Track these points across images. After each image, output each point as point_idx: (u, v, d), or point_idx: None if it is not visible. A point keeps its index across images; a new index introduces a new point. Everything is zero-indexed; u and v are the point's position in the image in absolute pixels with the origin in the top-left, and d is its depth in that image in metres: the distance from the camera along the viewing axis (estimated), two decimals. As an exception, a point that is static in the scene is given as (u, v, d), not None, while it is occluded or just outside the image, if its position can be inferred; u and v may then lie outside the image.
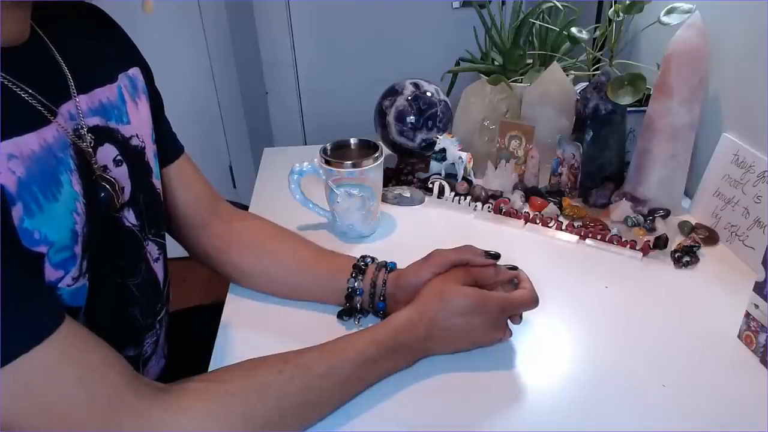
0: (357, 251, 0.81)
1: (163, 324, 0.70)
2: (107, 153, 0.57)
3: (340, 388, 0.55)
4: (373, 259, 0.70)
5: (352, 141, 0.86)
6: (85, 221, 0.51)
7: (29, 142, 0.46)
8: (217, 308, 0.72)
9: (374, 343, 0.56)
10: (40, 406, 0.42)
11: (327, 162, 0.80)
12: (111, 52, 0.62)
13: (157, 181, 0.65)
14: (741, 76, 0.84)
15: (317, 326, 0.66)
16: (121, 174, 0.58)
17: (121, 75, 0.61)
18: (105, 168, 0.56)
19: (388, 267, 0.68)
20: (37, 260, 0.46)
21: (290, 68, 2.11)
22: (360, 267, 0.68)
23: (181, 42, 1.98)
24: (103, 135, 0.56)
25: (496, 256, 0.64)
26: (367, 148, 0.84)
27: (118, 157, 0.58)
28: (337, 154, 0.83)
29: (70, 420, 0.43)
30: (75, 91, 0.54)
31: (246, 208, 0.96)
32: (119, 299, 0.60)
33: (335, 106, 2.15)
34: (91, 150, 0.54)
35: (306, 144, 2.21)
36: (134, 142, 0.61)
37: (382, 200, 0.94)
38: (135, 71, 0.64)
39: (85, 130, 0.54)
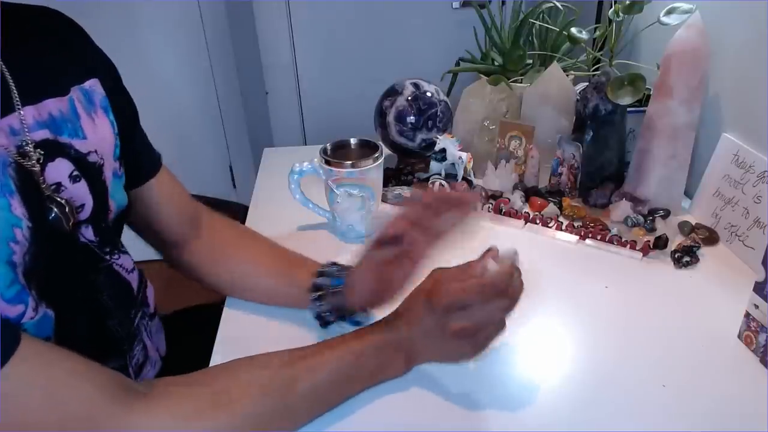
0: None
1: (147, 328, 0.68)
2: (60, 169, 0.53)
3: (328, 385, 0.54)
4: (331, 274, 0.66)
5: (352, 141, 0.86)
6: (28, 248, 0.47)
7: None
8: (218, 307, 0.72)
9: (359, 338, 0.56)
10: None
11: (327, 162, 0.80)
12: (67, 62, 0.57)
13: (111, 201, 0.60)
14: (741, 76, 0.84)
15: (317, 326, 0.66)
16: (79, 191, 0.54)
17: (74, 88, 0.57)
18: (58, 186, 0.52)
19: (338, 286, 0.65)
20: None
21: (290, 68, 2.11)
22: (320, 291, 0.65)
23: (181, 42, 1.98)
24: (53, 149, 0.52)
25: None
26: (367, 148, 0.84)
27: (75, 173, 0.54)
28: (337, 154, 0.83)
29: None
30: (19, 102, 0.49)
31: (246, 208, 0.96)
32: (91, 316, 0.58)
33: (335, 106, 2.15)
34: (38, 168, 0.50)
35: (306, 144, 2.21)
36: (92, 158, 0.57)
37: (382, 200, 0.94)
38: (93, 83, 0.59)
39: (32, 145, 0.49)
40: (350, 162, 0.79)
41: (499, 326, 0.56)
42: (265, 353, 0.54)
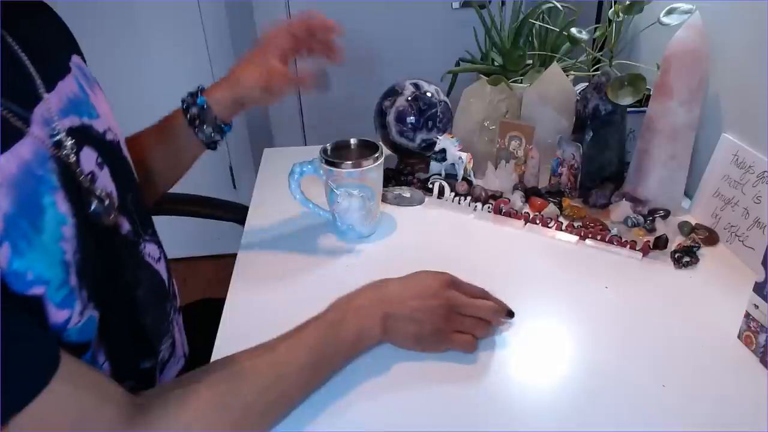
0: (357, 251, 0.81)
1: (176, 324, 0.68)
2: (89, 157, 0.50)
3: (311, 356, 0.54)
4: (190, 102, 0.72)
5: (352, 141, 0.86)
6: (76, 246, 0.45)
7: (7, 165, 0.39)
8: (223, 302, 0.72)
9: (333, 307, 0.59)
10: None
11: (327, 162, 0.80)
12: (57, 39, 0.55)
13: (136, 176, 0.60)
14: (741, 76, 0.84)
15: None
16: (104, 178, 0.52)
17: (70, 64, 0.54)
18: (92, 176, 0.50)
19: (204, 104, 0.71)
20: (35, 304, 0.41)
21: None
22: (195, 117, 0.71)
23: (181, 42, 1.98)
24: (81, 136, 0.49)
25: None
26: (367, 148, 0.84)
27: (99, 159, 0.51)
28: (337, 154, 0.83)
29: None
30: (44, 89, 0.46)
31: (246, 208, 0.97)
32: (130, 315, 0.56)
33: (335, 106, 2.15)
34: (74, 158, 0.47)
35: (306, 144, 2.21)
36: (109, 136, 0.55)
37: (382, 200, 0.94)
38: (77, 59, 0.57)
39: (64, 134, 0.46)
40: (350, 162, 0.79)
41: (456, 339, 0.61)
42: (245, 349, 0.55)
